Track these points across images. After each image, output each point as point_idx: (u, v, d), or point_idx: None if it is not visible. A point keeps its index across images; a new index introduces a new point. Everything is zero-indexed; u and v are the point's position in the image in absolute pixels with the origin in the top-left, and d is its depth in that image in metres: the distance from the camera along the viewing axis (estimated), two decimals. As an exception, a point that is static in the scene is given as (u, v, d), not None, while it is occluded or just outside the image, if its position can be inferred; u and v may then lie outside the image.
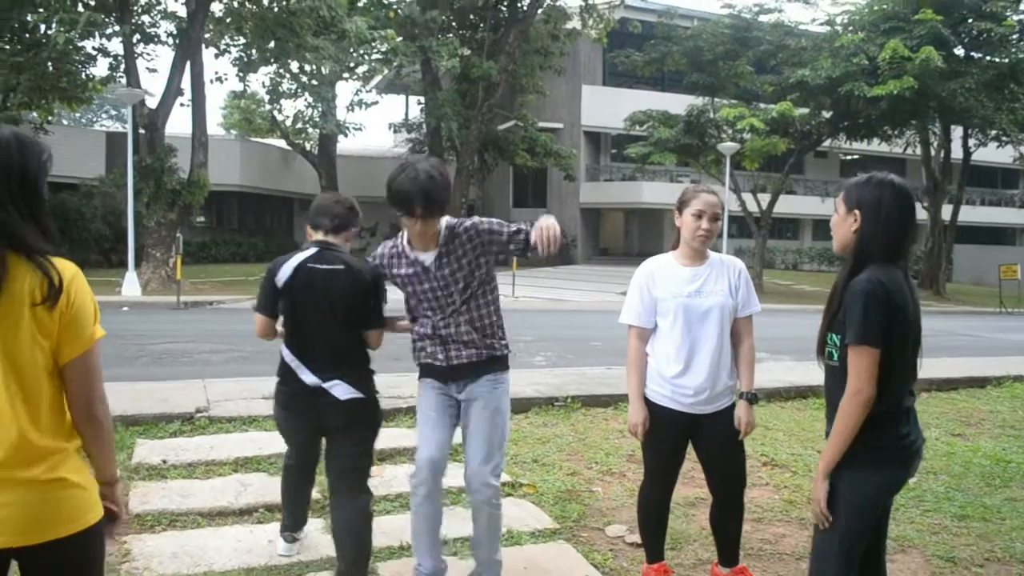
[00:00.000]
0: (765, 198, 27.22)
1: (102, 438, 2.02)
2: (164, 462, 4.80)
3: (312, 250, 3.52)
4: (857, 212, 2.62)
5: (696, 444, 3.57)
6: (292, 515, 3.92)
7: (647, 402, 3.51)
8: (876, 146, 30.16)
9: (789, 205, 34.04)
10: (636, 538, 4.23)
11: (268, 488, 4.55)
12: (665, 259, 3.58)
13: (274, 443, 5.15)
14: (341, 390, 3.48)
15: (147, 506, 4.24)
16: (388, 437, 5.43)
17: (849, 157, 40.73)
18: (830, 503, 2.63)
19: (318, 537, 4.02)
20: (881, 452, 2.59)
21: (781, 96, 24.77)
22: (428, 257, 3.30)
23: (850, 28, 25.77)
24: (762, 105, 26.19)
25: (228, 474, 4.74)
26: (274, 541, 3.93)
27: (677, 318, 3.45)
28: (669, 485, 3.65)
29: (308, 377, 3.49)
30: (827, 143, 29.30)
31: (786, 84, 24.53)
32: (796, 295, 25.79)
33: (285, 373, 3.57)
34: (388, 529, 4.12)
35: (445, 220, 3.30)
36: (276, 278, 3.49)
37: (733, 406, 3.49)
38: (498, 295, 3.49)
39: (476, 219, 3.36)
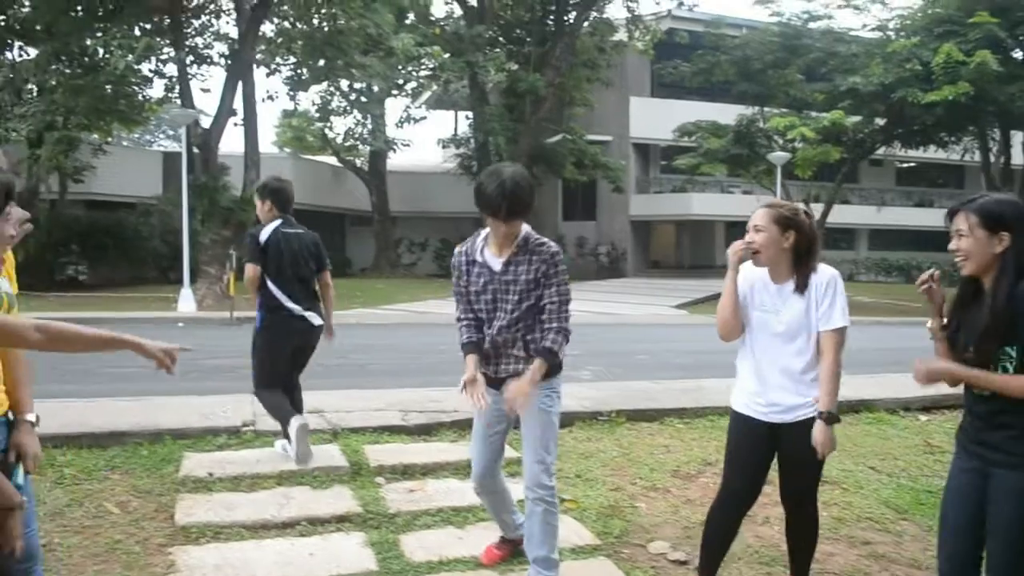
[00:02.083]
0: (819, 208, 26.78)
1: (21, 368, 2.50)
2: (210, 475, 4.85)
3: (278, 222, 5.26)
4: (1006, 234, 2.68)
5: (779, 454, 3.52)
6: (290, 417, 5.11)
7: (735, 413, 3.58)
8: (933, 153, 29.52)
9: (844, 215, 33.45)
10: (679, 555, 4.17)
11: (311, 501, 4.58)
12: (762, 271, 3.48)
13: (317, 456, 5.21)
14: (316, 319, 5.28)
15: (192, 518, 4.29)
16: (430, 451, 5.45)
17: (905, 165, 39.93)
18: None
19: (358, 550, 4.03)
20: None
21: (832, 104, 24.40)
22: (497, 262, 3.52)
23: (902, 33, 25.31)
24: (813, 114, 25.83)
25: (272, 487, 4.77)
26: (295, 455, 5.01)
27: (754, 330, 3.46)
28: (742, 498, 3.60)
29: (294, 307, 5.17)
30: (881, 151, 28.76)
31: (837, 92, 24.14)
32: (852, 307, 25.03)
33: (275, 306, 5.15)
34: (428, 544, 4.12)
35: (526, 229, 3.52)
36: (259, 239, 5.17)
37: (814, 419, 3.36)
38: None
39: (553, 253, 3.52)
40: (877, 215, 36.85)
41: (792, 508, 3.63)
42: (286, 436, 5.10)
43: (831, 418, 3.31)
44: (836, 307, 3.36)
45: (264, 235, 5.19)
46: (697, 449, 5.93)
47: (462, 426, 5.86)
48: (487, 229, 3.56)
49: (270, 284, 5.16)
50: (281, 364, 5.26)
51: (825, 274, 3.41)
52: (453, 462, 5.16)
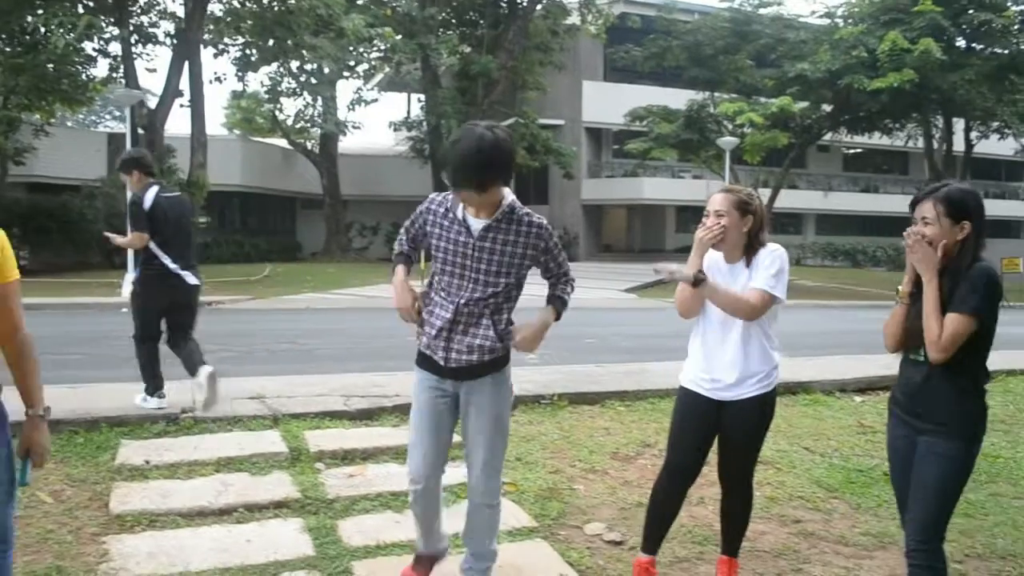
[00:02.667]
0: (767, 193, 27.16)
1: (26, 362, 2.47)
2: (147, 462, 4.81)
3: (155, 188, 5.74)
4: (967, 223, 2.88)
5: (719, 431, 3.62)
6: (158, 378, 5.74)
7: (682, 389, 3.68)
8: (878, 139, 30.07)
9: (792, 200, 33.99)
10: (614, 536, 4.24)
11: (249, 488, 4.56)
12: (717, 252, 3.58)
13: (256, 442, 5.21)
14: (191, 278, 5.76)
15: (127, 506, 4.25)
16: (371, 436, 5.46)
17: (852, 151, 40.61)
18: (949, 473, 2.95)
19: (296, 536, 4.04)
20: (984, 422, 3.03)
21: (781, 90, 24.75)
22: (476, 223, 3.11)
23: (850, 20, 25.72)
24: (762, 99, 26.16)
25: (210, 474, 4.74)
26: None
27: (706, 309, 3.57)
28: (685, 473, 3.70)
29: (172, 265, 5.65)
30: (828, 137, 29.23)
31: (786, 78, 24.48)
32: (797, 290, 25.58)
33: (155, 265, 5.63)
34: (366, 528, 4.14)
35: (512, 198, 3.14)
36: (143, 206, 5.60)
37: (757, 397, 3.51)
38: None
39: (545, 228, 3.21)
40: (824, 200, 37.47)
41: (730, 487, 3.73)
42: (147, 392, 5.74)
43: (699, 278, 3.38)
44: (768, 273, 3.43)
45: (148, 202, 5.65)
46: (637, 431, 6.02)
47: (404, 410, 5.85)
48: None
49: (152, 246, 5.65)
50: (157, 317, 5.80)
51: (771, 248, 3.52)
52: (393, 447, 5.18)
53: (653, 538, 3.74)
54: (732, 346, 3.50)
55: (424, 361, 3.29)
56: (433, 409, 3.28)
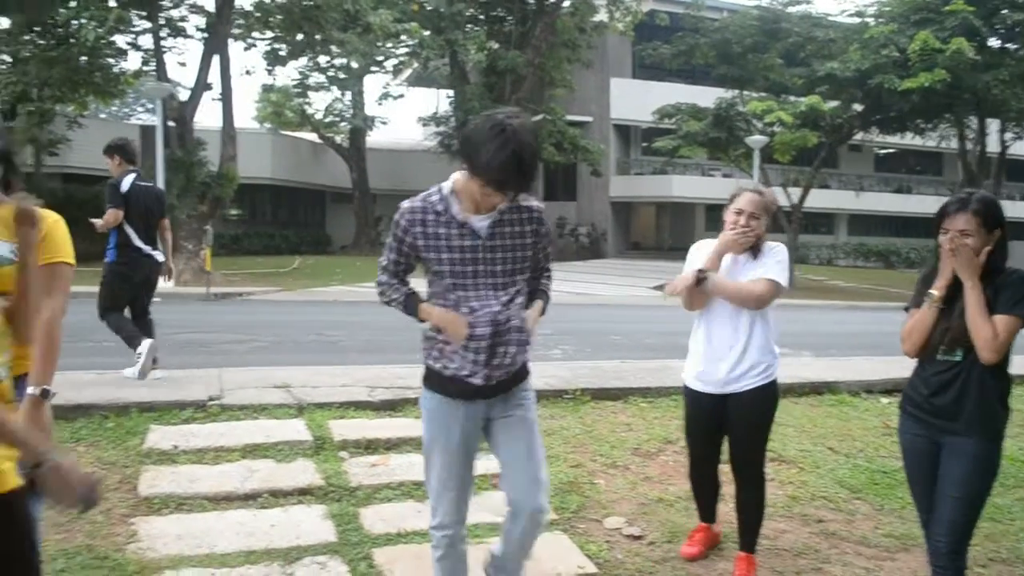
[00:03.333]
0: (797, 192, 26.92)
1: (44, 341, 2.46)
2: (175, 447, 4.89)
3: (133, 175, 6.39)
4: (999, 230, 3.01)
5: (726, 423, 3.76)
6: (135, 335, 6.25)
7: (687, 388, 3.83)
8: (910, 140, 29.72)
9: (823, 199, 33.70)
10: (633, 530, 4.27)
11: (274, 474, 4.63)
12: (711, 243, 3.75)
13: (282, 430, 5.28)
14: (159, 257, 6.57)
15: (155, 489, 4.33)
16: (394, 427, 5.51)
17: (884, 151, 40.16)
18: (981, 473, 3.00)
19: (319, 522, 4.09)
20: (1007, 422, 3.07)
21: (810, 89, 24.52)
22: (480, 221, 2.74)
23: (880, 19, 25.42)
24: (792, 98, 25.93)
25: (236, 460, 4.81)
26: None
27: (709, 302, 3.69)
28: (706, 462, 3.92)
29: (145, 247, 6.39)
30: (859, 136, 28.93)
31: (815, 77, 24.26)
32: (828, 291, 25.46)
33: (130, 246, 6.33)
34: (388, 516, 4.19)
35: None
36: (120, 189, 6.26)
37: (759, 388, 3.64)
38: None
39: (543, 212, 2.90)
40: (856, 200, 37.10)
41: (742, 479, 3.80)
42: (134, 350, 6.17)
43: (700, 278, 3.58)
44: (780, 266, 3.62)
45: (125, 186, 6.29)
46: (659, 427, 6.01)
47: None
48: (450, 182, 2.81)
49: (127, 227, 6.28)
50: (127, 292, 6.47)
51: (772, 244, 3.72)
52: (416, 437, 5.19)
53: (707, 506, 3.99)
54: (733, 340, 3.63)
55: (448, 386, 2.87)
56: (466, 444, 2.92)
